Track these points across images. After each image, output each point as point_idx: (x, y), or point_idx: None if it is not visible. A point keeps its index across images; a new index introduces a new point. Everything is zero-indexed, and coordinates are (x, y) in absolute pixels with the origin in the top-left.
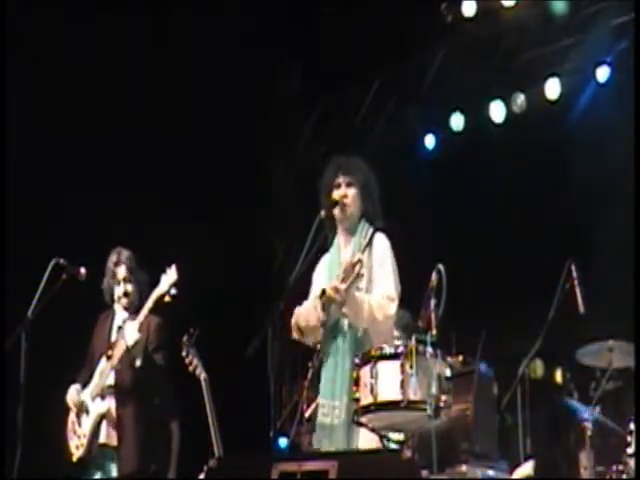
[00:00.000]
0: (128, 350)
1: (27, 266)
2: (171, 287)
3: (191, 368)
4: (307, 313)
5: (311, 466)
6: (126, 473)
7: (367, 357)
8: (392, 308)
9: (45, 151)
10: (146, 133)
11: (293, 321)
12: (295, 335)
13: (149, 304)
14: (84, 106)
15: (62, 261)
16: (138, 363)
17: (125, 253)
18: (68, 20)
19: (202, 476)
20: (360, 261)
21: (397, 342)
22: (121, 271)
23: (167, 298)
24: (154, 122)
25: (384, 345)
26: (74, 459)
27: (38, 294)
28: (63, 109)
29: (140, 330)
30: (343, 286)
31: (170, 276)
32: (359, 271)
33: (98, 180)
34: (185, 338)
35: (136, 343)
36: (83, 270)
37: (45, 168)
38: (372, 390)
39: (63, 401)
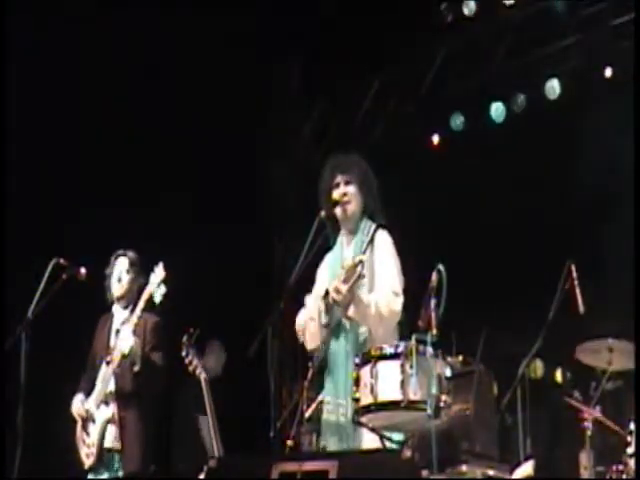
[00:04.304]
0: (125, 356)
1: (27, 266)
2: (160, 284)
3: (191, 368)
4: (309, 317)
5: (311, 466)
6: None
7: (367, 357)
8: (398, 303)
9: (45, 151)
10: (145, 133)
11: (297, 327)
12: (301, 338)
13: (141, 304)
14: (83, 108)
15: (62, 261)
16: (136, 368)
17: (125, 254)
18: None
19: (202, 476)
20: (362, 262)
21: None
22: (118, 271)
23: (158, 297)
24: (153, 122)
25: (384, 345)
26: (85, 467)
27: (38, 294)
28: (62, 111)
29: (135, 333)
30: (345, 287)
31: (158, 274)
32: (361, 272)
33: (98, 180)
34: (185, 338)
35: (131, 348)
36: (83, 270)
37: (45, 168)
38: (372, 390)
39: (63, 401)
